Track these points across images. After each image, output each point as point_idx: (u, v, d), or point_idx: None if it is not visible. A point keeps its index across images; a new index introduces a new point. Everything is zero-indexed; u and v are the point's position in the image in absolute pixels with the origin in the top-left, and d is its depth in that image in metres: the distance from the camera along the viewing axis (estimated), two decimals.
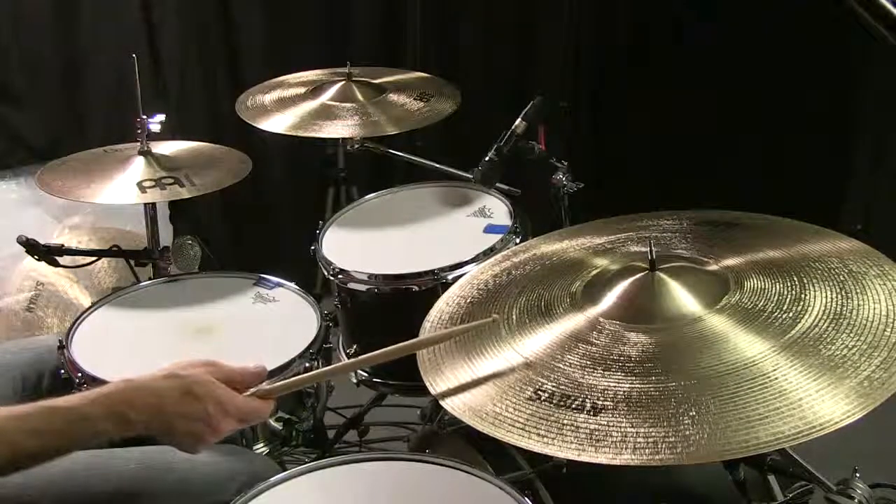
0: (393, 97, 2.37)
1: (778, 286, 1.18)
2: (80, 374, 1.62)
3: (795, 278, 1.19)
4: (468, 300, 1.36)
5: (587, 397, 1.06)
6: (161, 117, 2.07)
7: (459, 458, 1.27)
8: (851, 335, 1.07)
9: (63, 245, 2.06)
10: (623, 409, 1.04)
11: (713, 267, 1.26)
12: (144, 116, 2.05)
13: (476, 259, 1.82)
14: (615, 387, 1.07)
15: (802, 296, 1.15)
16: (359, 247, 2.00)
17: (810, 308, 1.13)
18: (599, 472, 1.18)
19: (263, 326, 1.80)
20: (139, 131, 2.05)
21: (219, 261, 2.47)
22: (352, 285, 1.88)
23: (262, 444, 1.68)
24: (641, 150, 3.16)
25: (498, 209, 2.04)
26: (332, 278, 1.91)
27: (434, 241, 1.98)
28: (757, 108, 2.92)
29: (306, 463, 1.30)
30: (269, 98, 2.40)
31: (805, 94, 2.87)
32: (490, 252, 1.83)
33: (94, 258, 2.24)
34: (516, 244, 1.79)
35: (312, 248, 2.01)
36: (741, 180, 2.90)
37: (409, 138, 2.68)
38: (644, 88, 3.03)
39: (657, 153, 3.13)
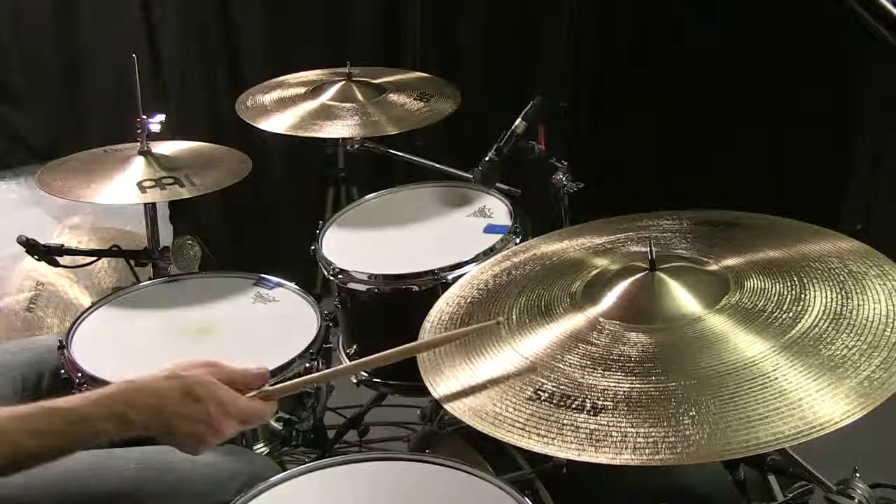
0: (393, 97, 2.37)
1: (778, 286, 1.18)
2: (80, 374, 1.62)
3: (795, 278, 1.19)
4: (468, 300, 1.36)
5: (587, 397, 1.06)
6: (161, 117, 2.07)
7: (459, 458, 1.27)
8: (851, 335, 1.07)
9: (63, 245, 2.06)
10: (623, 409, 1.04)
11: (713, 267, 1.26)
12: (144, 116, 2.05)
13: (476, 259, 1.82)
14: (615, 387, 1.07)
15: (802, 296, 1.15)
16: (359, 247, 2.00)
17: (810, 308, 1.13)
18: (599, 472, 1.18)
19: (263, 326, 1.80)
20: (139, 131, 2.05)
21: (219, 261, 2.47)
22: (352, 285, 1.88)
23: (262, 444, 1.68)
24: (641, 150, 3.16)
25: (498, 209, 2.04)
26: (332, 278, 1.91)
27: (434, 241, 1.98)
28: (757, 108, 2.92)
29: (306, 463, 1.30)
30: (269, 98, 2.40)
31: (805, 94, 2.87)
32: (490, 252, 1.83)
33: (94, 258, 2.24)
34: (516, 244, 1.79)
35: (312, 248, 2.01)
36: (741, 180, 2.90)
37: (409, 138, 2.68)
38: (644, 88, 3.03)
39: (657, 153, 3.13)
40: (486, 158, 1.91)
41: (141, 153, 2.05)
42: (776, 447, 0.96)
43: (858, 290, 1.14)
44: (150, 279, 2.04)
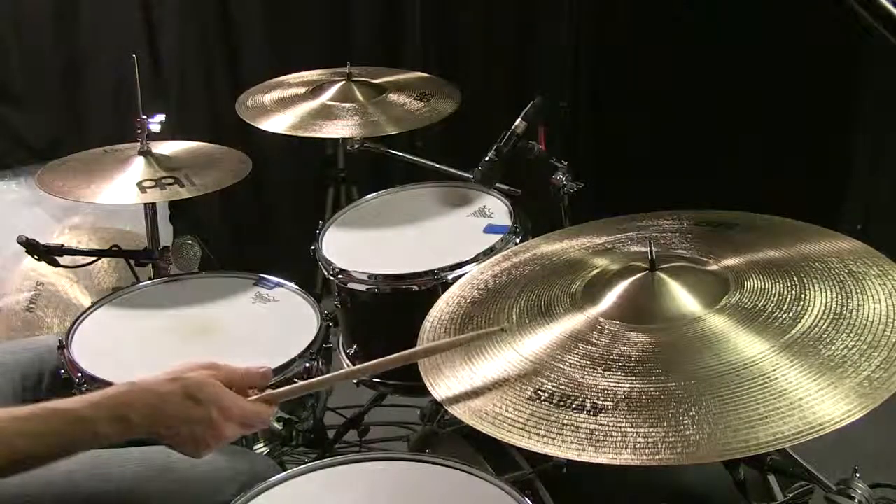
0: (393, 97, 2.37)
1: (778, 286, 1.18)
2: (80, 374, 1.62)
3: (795, 278, 1.19)
4: (468, 300, 1.36)
5: (587, 397, 1.06)
6: (161, 117, 2.07)
7: (459, 458, 1.27)
8: (851, 335, 1.07)
9: (63, 245, 2.06)
10: (623, 409, 1.03)
11: (713, 267, 1.26)
12: (144, 116, 2.05)
13: (476, 259, 1.82)
14: (615, 387, 1.07)
15: (802, 296, 1.15)
16: (359, 247, 2.00)
17: (810, 308, 1.13)
18: (599, 472, 1.18)
19: (263, 326, 1.80)
20: (139, 131, 2.05)
21: (219, 261, 2.47)
22: (352, 285, 1.88)
23: (262, 444, 1.68)
24: (641, 150, 3.16)
25: (498, 209, 2.04)
26: (332, 278, 1.91)
27: (434, 241, 1.98)
28: (757, 108, 2.92)
29: (306, 463, 1.30)
30: (269, 98, 2.40)
31: (805, 95, 2.87)
32: (490, 252, 1.83)
33: (94, 258, 2.24)
34: (516, 244, 1.79)
35: (312, 248, 2.01)
36: (741, 180, 2.90)
37: (409, 138, 2.68)
38: (644, 88, 3.03)
39: (657, 153, 3.13)
40: (486, 158, 1.91)
41: (141, 153, 2.05)
42: (776, 447, 0.96)
43: (858, 290, 1.14)
44: (150, 279, 2.04)
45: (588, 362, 1.12)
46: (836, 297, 1.14)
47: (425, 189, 2.21)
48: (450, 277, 1.80)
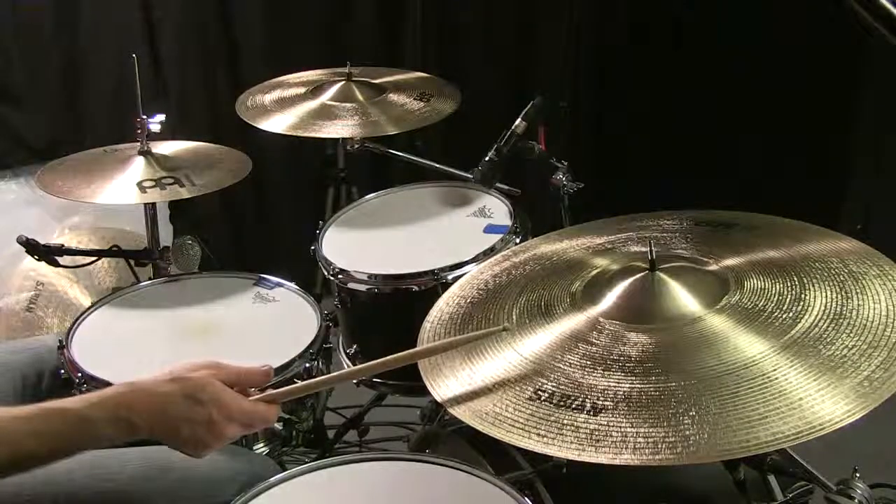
0: (393, 97, 2.37)
1: (778, 286, 1.18)
2: (79, 374, 1.62)
3: (795, 278, 1.19)
4: (468, 300, 1.36)
5: (587, 397, 1.06)
6: (161, 117, 2.07)
7: (459, 458, 1.27)
8: (851, 335, 1.07)
9: (63, 245, 2.06)
10: (623, 409, 1.03)
11: (713, 267, 1.26)
12: (144, 116, 2.05)
13: (476, 259, 1.82)
14: (615, 387, 1.07)
15: (802, 296, 1.15)
16: (359, 247, 2.00)
17: (810, 308, 1.13)
18: (599, 472, 1.18)
19: (263, 326, 1.80)
20: (139, 131, 2.05)
21: (219, 261, 2.47)
22: (352, 285, 1.88)
23: (262, 444, 1.68)
24: (641, 150, 3.16)
25: (498, 209, 2.04)
26: (332, 278, 1.92)
27: (434, 241, 1.98)
28: (757, 108, 2.92)
29: (306, 463, 1.30)
30: (269, 98, 2.40)
31: (805, 94, 2.87)
32: (490, 252, 1.83)
33: (94, 258, 2.24)
34: (516, 244, 1.79)
35: (312, 248, 2.01)
36: (741, 180, 2.90)
37: (409, 138, 2.68)
38: (644, 88, 3.03)
39: (657, 153, 3.13)
40: (486, 158, 1.91)
41: (141, 153, 2.05)
42: (776, 447, 0.96)
43: (858, 290, 1.14)
44: (150, 279, 2.04)
45: (588, 362, 1.12)
46: (837, 298, 1.14)
47: (425, 189, 2.21)
48: (450, 277, 1.80)
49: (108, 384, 1.51)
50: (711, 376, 1.05)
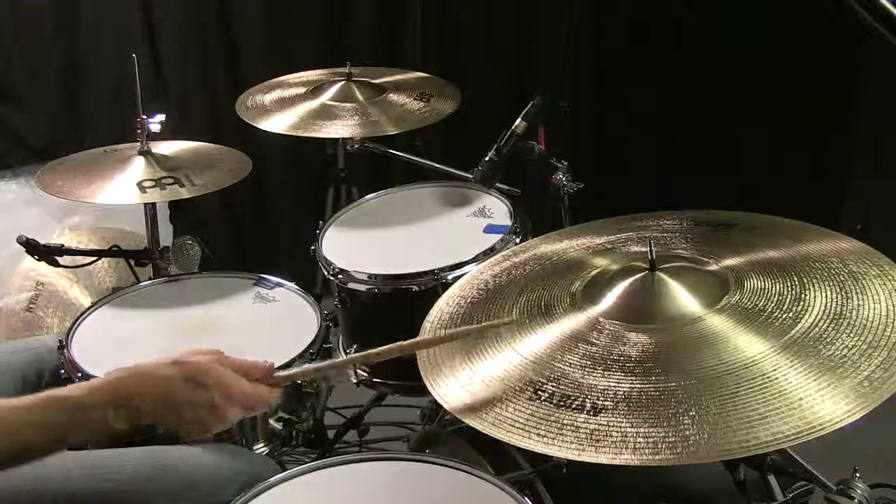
0: (393, 97, 2.37)
1: (778, 286, 1.18)
2: (79, 374, 1.62)
3: (795, 278, 1.19)
4: (468, 300, 1.36)
5: (587, 397, 1.06)
6: (161, 117, 2.07)
7: (459, 458, 1.27)
8: (851, 335, 1.07)
9: (63, 245, 2.06)
10: (623, 409, 1.03)
11: (713, 267, 1.26)
12: (144, 116, 2.05)
13: (476, 259, 1.82)
14: (615, 387, 1.07)
15: (802, 296, 1.15)
16: (359, 247, 2.00)
17: (810, 308, 1.13)
18: (599, 472, 1.18)
19: (263, 326, 1.80)
20: (139, 131, 2.05)
21: (219, 261, 2.47)
22: (352, 285, 1.88)
23: (262, 444, 1.68)
24: (641, 150, 3.16)
25: (498, 209, 2.04)
26: (332, 278, 1.92)
27: (434, 241, 1.98)
28: (757, 108, 2.92)
29: (306, 463, 1.30)
30: (269, 98, 2.40)
31: (805, 94, 2.87)
32: (490, 252, 1.83)
33: (94, 258, 2.24)
34: (516, 244, 1.79)
35: (312, 248, 2.01)
36: (741, 180, 2.90)
37: (409, 138, 2.68)
38: (644, 88, 3.03)
39: (657, 153, 3.13)
40: (486, 158, 1.91)
41: (141, 153, 2.05)
42: (776, 447, 0.96)
43: (858, 290, 1.14)
44: (150, 279, 2.04)
45: (588, 362, 1.12)
46: (837, 298, 1.14)
47: (425, 189, 2.21)
48: (450, 277, 1.80)
49: None
50: (711, 376, 1.05)
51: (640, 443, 0.99)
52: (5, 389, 1.61)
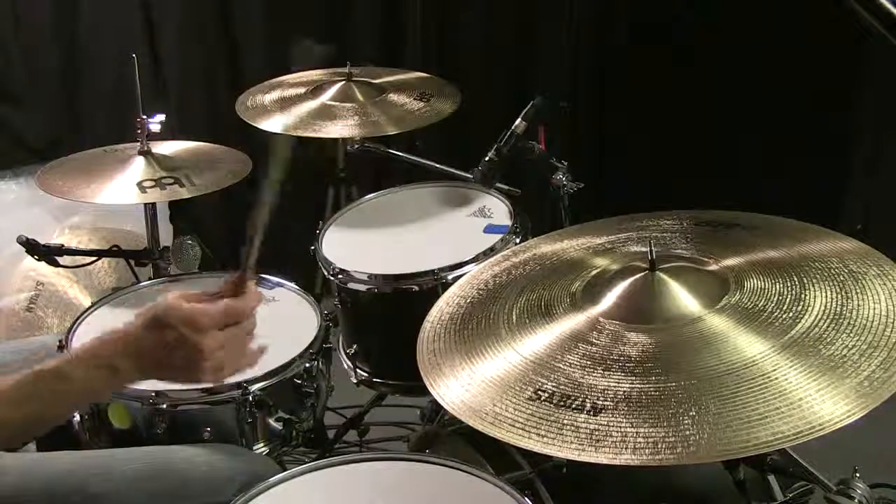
0: (393, 97, 2.37)
1: (778, 286, 1.18)
2: None
3: (795, 278, 1.19)
4: (468, 300, 1.36)
5: (587, 397, 1.06)
6: (161, 117, 2.07)
7: (459, 458, 1.27)
8: (851, 335, 1.07)
9: (63, 245, 2.06)
10: (623, 409, 1.03)
11: (713, 267, 1.26)
12: (144, 116, 2.05)
13: (476, 259, 1.82)
14: (615, 387, 1.07)
15: (802, 296, 1.15)
16: (359, 247, 2.00)
17: (810, 308, 1.13)
18: (600, 472, 1.18)
19: (263, 326, 1.79)
20: (139, 131, 2.06)
21: (219, 261, 2.47)
22: (352, 285, 1.88)
23: (262, 444, 1.68)
24: (641, 150, 3.16)
25: (498, 209, 2.04)
26: (332, 278, 1.91)
27: (434, 241, 1.98)
28: (757, 108, 2.92)
29: (306, 463, 1.30)
30: (269, 98, 2.40)
31: (805, 94, 2.87)
32: (490, 252, 1.83)
33: (94, 258, 2.24)
34: (516, 244, 1.79)
35: (312, 248, 2.01)
36: (741, 180, 2.90)
37: (409, 138, 2.68)
38: (644, 88, 3.03)
39: (657, 153, 3.13)
40: (486, 158, 1.91)
41: (141, 153, 2.05)
42: (776, 447, 0.96)
43: (858, 290, 1.14)
44: (150, 279, 2.04)
45: (588, 362, 1.12)
46: (836, 297, 1.14)
47: (425, 189, 2.21)
48: (450, 277, 1.80)
49: None
50: (711, 376, 1.05)
51: (640, 443, 0.99)
52: None
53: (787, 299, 1.15)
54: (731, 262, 1.27)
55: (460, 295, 1.39)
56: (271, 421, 1.68)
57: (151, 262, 2.14)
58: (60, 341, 1.70)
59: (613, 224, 1.49)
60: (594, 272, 1.32)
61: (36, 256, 2.03)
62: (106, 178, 1.99)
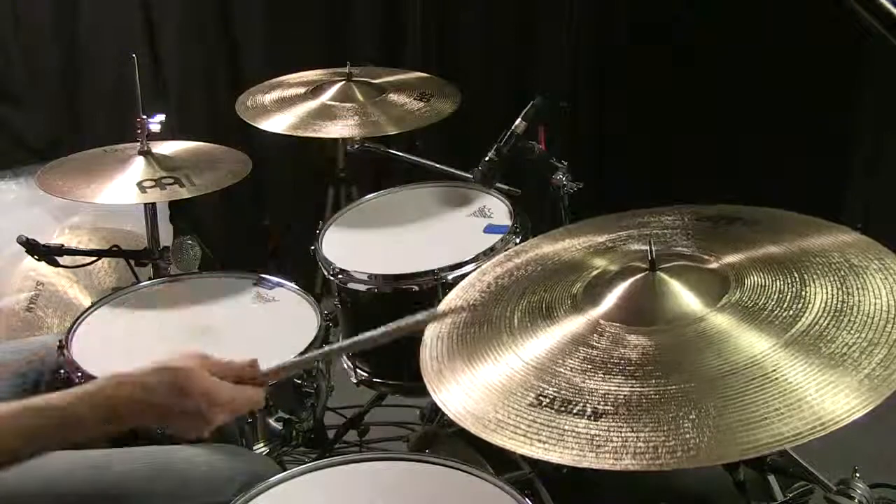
0: (393, 97, 2.37)
1: (778, 283, 1.17)
2: (79, 374, 1.62)
3: (796, 274, 1.18)
4: (468, 300, 1.36)
5: (588, 402, 1.06)
6: (161, 117, 2.07)
7: (459, 458, 1.27)
8: (852, 332, 1.06)
9: (63, 245, 2.06)
10: (623, 413, 1.03)
11: (713, 265, 1.26)
12: (144, 116, 2.05)
13: (476, 259, 1.82)
14: (616, 391, 1.06)
15: (803, 292, 1.14)
16: (359, 247, 2.00)
17: (811, 305, 1.12)
18: (599, 473, 1.18)
19: (263, 326, 1.80)
20: (139, 131, 2.06)
21: (219, 261, 2.47)
22: (352, 285, 1.88)
23: (262, 444, 1.68)
24: (641, 149, 3.16)
25: (498, 209, 2.04)
26: (332, 278, 1.92)
27: (434, 241, 1.98)
28: (756, 107, 2.92)
29: (306, 463, 1.30)
30: (269, 98, 2.40)
31: (805, 94, 2.86)
32: (490, 252, 1.83)
33: (94, 258, 2.24)
34: (516, 244, 1.79)
35: (312, 248, 2.01)
36: (741, 180, 2.90)
37: (409, 138, 2.68)
38: (644, 88, 3.03)
39: (657, 153, 3.13)
40: (486, 158, 1.91)
41: (141, 153, 2.05)
42: (777, 448, 0.96)
43: (859, 286, 1.13)
44: (150, 279, 2.04)
45: (589, 366, 1.12)
46: (837, 293, 1.13)
47: (425, 189, 2.21)
48: (450, 277, 1.80)
49: None
50: (711, 378, 1.04)
51: (640, 448, 0.98)
52: (5, 389, 1.62)
53: (788, 296, 1.14)
54: (731, 258, 1.26)
55: (461, 296, 1.38)
56: (271, 421, 1.68)
57: (151, 262, 2.13)
58: (60, 341, 1.70)
59: (613, 221, 1.48)
60: (595, 273, 1.31)
61: (36, 256, 2.03)
62: (106, 178, 1.99)
